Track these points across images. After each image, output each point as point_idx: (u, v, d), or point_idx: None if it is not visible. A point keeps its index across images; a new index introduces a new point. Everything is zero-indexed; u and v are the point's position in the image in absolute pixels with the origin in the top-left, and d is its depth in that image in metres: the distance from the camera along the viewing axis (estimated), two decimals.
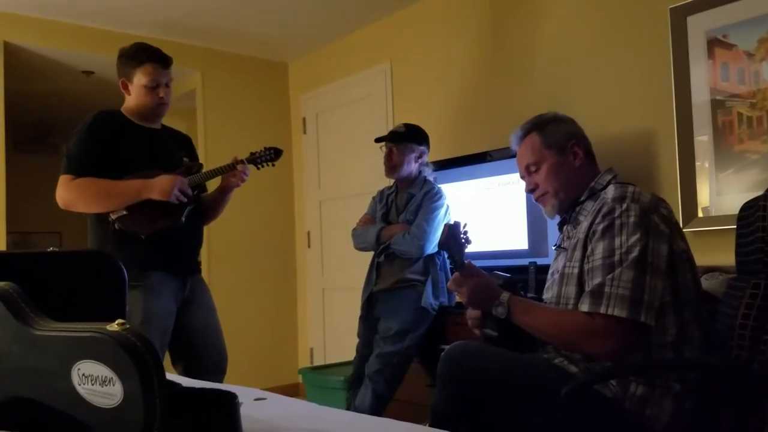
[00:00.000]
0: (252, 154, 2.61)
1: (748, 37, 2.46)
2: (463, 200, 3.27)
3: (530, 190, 1.87)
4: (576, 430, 1.52)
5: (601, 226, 1.61)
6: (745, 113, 2.47)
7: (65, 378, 0.90)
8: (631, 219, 1.57)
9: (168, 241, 2.45)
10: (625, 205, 1.59)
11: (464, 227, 1.85)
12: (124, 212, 2.39)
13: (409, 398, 2.95)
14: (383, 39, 4.20)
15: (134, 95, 2.49)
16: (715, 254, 2.36)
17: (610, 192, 1.67)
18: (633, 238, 1.55)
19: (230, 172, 2.53)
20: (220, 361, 2.59)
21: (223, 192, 2.63)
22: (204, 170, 2.55)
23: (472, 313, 1.87)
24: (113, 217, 2.39)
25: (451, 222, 1.84)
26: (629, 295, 1.51)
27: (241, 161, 2.54)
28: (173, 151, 2.58)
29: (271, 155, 2.61)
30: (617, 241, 1.56)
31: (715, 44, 2.55)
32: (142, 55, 2.44)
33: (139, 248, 2.38)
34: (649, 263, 1.53)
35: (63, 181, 2.40)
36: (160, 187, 2.37)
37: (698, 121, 2.59)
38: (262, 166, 2.63)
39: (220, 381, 2.48)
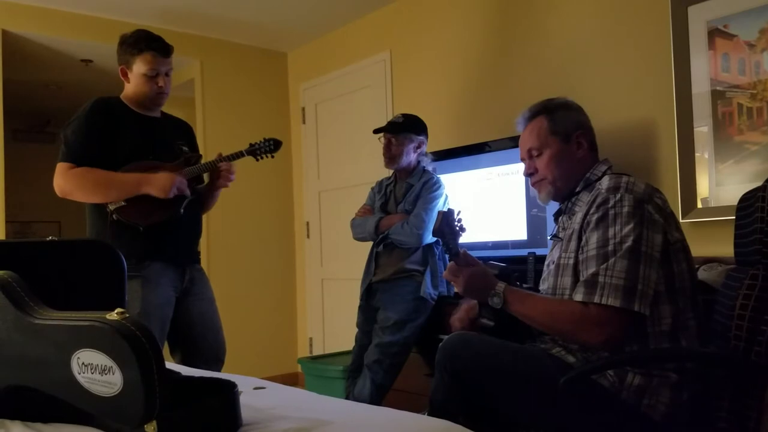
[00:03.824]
0: (251, 145, 2.59)
1: (749, 27, 2.45)
2: (462, 190, 3.27)
3: (529, 174, 1.87)
4: (573, 420, 1.53)
5: (595, 217, 1.61)
6: (746, 104, 2.46)
7: (65, 367, 0.90)
8: (625, 209, 1.57)
9: (167, 232, 2.44)
10: (618, 196, 1.59)
11: (458, 215, 1.85)
12: (123, 203, 2.38)
13: (407, 388, 2.96)
14: (383, 28, 4.18)
15: (133, 83, 2.47)
16: (714, 245, 2.37)
17: (605, 182, 1.67)
18: (627, 228, 1.55)
19: (215, 168, 2.53)
20: (218, 351, 2.59)
21: (212, 190, 2.63)
22: (202, 161, 2.54)
23: (465, 306, 1.88)
24: (112, 207, 2.38)
25: (446, 209, 1.84)
26: (623, 284, 1.51)
27: (224, 159, 2.52)
28: (172, 140, 2.57)
29: (271, 146, 2.58)
30: (611, 231, 1.57)
31: (715, 34, 2.54)
32: (143, 43, 2.42)
33: (137, 239, 2.38)
34: (643, 253, 1.53)
35: (61, 169, 2.38)
36: (160, 184, 2.37)
37: (698, 112, 2.58)
38: (261, 158, 2.61)
39: (218, 371, 2.48)
